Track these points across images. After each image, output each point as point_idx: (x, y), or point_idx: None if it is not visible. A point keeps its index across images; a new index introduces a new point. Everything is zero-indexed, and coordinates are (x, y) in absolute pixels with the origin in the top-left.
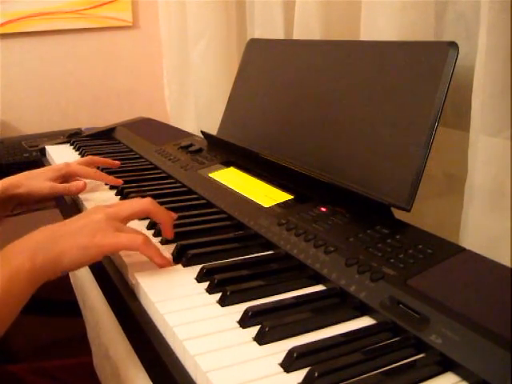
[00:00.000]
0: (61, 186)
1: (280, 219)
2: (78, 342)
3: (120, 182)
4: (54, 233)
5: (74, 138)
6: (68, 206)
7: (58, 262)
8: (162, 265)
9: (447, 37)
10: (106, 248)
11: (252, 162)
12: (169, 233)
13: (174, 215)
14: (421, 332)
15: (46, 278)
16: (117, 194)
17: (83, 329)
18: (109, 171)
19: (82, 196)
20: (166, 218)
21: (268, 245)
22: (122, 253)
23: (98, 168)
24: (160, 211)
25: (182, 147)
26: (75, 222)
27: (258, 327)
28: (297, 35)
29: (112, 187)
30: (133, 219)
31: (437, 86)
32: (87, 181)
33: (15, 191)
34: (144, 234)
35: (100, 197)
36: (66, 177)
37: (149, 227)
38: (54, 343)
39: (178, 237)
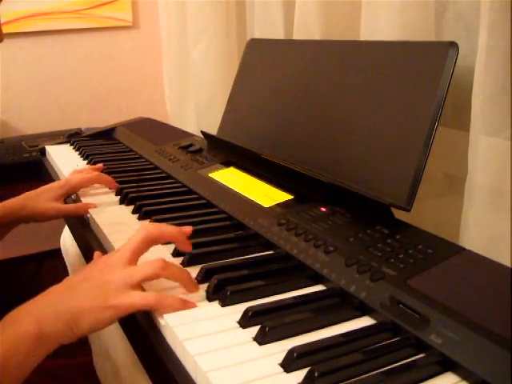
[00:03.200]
0: (66, 208)
1: (280, 219)
2: (78, 341)
3: (116, 186)
4: (64, 297)
5: (73, 138)
6: None
7: (71, 329)
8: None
9: (447, 37)
10: (122, 310)
11: (252, 162)
12: (192, 288)
13: (189, 231)
14: (421, 332)
15: (57, 343)
16: (117, 194)
17: None
18: (108, 171)
19: (82, 198)
20: (182, 275)
21: (268, 245)
22: None
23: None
24: (174, 272)
25: (181, 147)
26: (84, 281)
27: (258, 327)
28: (297, 35)
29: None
30: (140, 255)
31: (437, 86)
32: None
33: (18, 214)
34: (161, 265)
35: (100, 197)
36: (69, 192)
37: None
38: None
39: None
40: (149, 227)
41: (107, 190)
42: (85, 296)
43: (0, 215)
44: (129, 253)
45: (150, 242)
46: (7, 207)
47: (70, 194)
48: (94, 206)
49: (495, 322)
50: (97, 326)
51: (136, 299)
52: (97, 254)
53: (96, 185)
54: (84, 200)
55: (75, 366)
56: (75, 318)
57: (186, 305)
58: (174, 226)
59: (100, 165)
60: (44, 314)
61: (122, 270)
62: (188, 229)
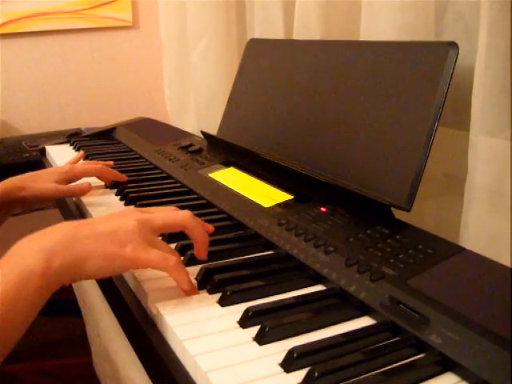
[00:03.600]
0: (65, 188)
1: (280, 219)
2: (77, 341)
3: (125, 177)
4: (77, 233)
5: (73, 138)
6: (68, 206)
7: (78, 268)
8: (188, 292)
9: (447, 37)
10: (136, 263)
11: (252, 162)
12: (202, 252)
13: (211, 229)
14: (421, 332)
15: (60, 283)
16: (117, 194)
17: (83, 329)
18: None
19: (83, 199)
20: (203, 236)
21: (268, 245)
22: None
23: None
24: (197, 228)
25: (181, 147)
26: (104, 223)
27: (258, 327)
28: (297, 35)
29: (112, 187)
30: (166, 231)
31: (437, 86)
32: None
33: (19, 193)
34: (177, 255)
35: (100, 197)
36: (71, 179)
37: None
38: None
39: (178, 237)
40: (191, 217)
41: (107, 189)
42: (102, 238)
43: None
44: (161, 222)
45: (181, 228)
46: (7, 187)
47: (72, 181)
48: (89, 184)
49: (495, 322)
50: (104, 271)
51: (155, 257)
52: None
53: (96, 183)
54: (84, 199)
55: (75, 367)
56: (86, 257)
57: (190, 289)
58: (206, 227)
59: (110, 162)
60: (53, 249)
61: (147, 233)
62: (211, 228)
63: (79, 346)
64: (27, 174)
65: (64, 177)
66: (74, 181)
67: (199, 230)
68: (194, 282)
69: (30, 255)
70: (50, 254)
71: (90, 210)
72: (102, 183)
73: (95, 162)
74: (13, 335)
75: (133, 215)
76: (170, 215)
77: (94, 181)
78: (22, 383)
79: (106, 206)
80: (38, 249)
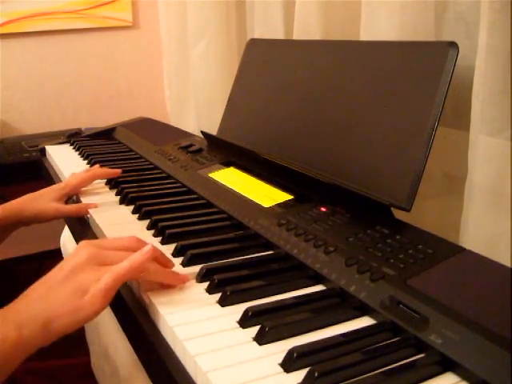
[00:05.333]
0: (66, 209)
1: (280, 219)
2: (75, 342)
3: (118, 172)
4: (37, 296)
5: (73, 138)
6: None
7: (48, 331)
8: (176, 281)
9: (447, 37)
10: (99, 303)
11: (252, 162)
12: (169, 264)
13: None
14: (421, 332)
15: (37, 346)
16: (117, 194)
17: (81, 329)
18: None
19: (82, 198)
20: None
21: (268, 245)
22: None
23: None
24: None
25: (182, 147)
26: (58, 271)
27: (258, 327)
28: (297, 35)
29: (112, 187)
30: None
31: (437, 86)
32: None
33: (19, 216)
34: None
35: (100, 198)
36: (70, 194)
37: (149, 227)
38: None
39: (178, 237)
40: (135, 241)
41: (107, 189)
42: (60, 297)
43: (0, 218)
44: (107, 244)
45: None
46: (7, 209)
47: (71, 196)
48: (95, 205)
49: (495, 322)
50: (74, 326)
51: (109, 281)
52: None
53: (96, 184)
54: (84, 200)
55: (72, 367)
56: (51, 321)
57: (177, 281)
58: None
59: (118, 171)
60: (22, 318)
61: (98, 255)
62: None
63: (76, 346)
64: (27, 196)
65: (62, 193)
66: (74, 194)
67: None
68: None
69: (2, 324)
70: (20, 324)
71: (90, 210)
72: (102, 183)
73: (86, 169)
74: None
75: (83, 247)
76: (118, 240)
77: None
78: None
79: (105, 207)
80: (9, 320)
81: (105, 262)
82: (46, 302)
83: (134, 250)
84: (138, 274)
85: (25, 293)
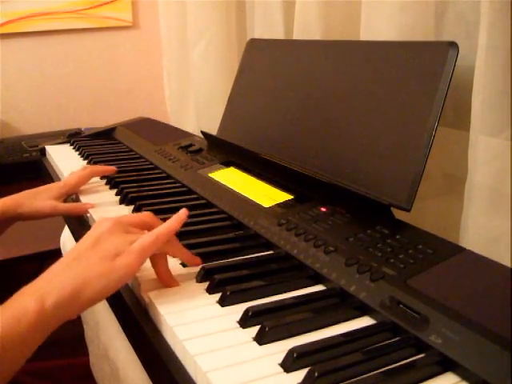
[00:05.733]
0: (63, 207)
1: (280, 219)
2: (74, 342)
3: (114, 168)
4: (65, 266)
5: (73, 138)
6: None
7: (77, 298)
8: (192, 262)
9: (447, 37)
10: (134, 263)
11: (252, 162)
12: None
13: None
14: (421, 332)
15: (60, 320)
16: (117, 194)
17: (80, 329)
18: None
19: (82, 198)
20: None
21: (268, 245)
22: None
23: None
24: (158, 222)
25: (181, 147)
26: (84, 250)
27: (258, 327)
28: (297, 35)
29: (112, 187)
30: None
31: (437, 86)
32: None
33: (16, 212)
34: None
35: (100, 197)
36: (68, 192)
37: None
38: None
39: (178, 237)
40: (151, 216)
41: (107, 189)
42: (89, 261)
43: None
44: (129, 219)
45: (146, 226)
46: (5, 204)
47: (70, 194)
48: (92, 205)
49: (495, 322)
50: (106, 292)
51: (144, 241)
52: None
53: (96, 184)
54: (84, 199)
55: (72, 367)
56: (80, 287)
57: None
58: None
59: (113, 168)
60: (46, 289)
61: (121, 226)
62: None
63: (75, 346)
64: (25, 192)
65: (61, 191)
66: (72, 193)
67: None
68: (194, 282)
69: (24, 297)
70: (43, 292)
71: (90, 210)
72: (102, 183)
73: (84, 167)
74: (5, 372)
75: (106, 228)
76: (138, 214)
77: (93, 180)
78: None
79: (105, 207)
80: (30, 291)
81: (129, 230)
82: (74, 270)
83: (151, 225)
84: (165, 243)
85: (51, 266)
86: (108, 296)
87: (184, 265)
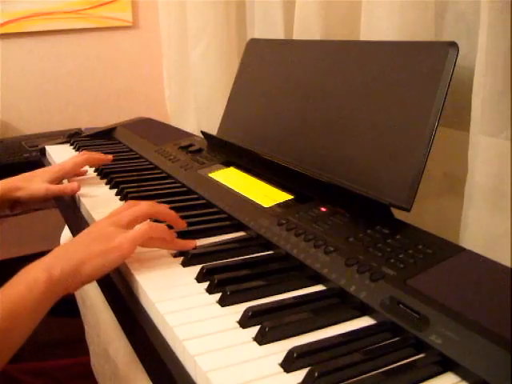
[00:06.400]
0: (56, 188)
1: (280, 219)
2: (75, 342)
3: (110, 157)
4: (69, 247)
5: (73, 138)
6: (68, 205)
7: (78, 272)
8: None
9: (447, 37)
10: (126, 247)
11: (252, 162)
12: (179, 224)
13: (173, 214)
14: (421, 332)
15: (64, 290)
16: (117, 194)
17: (80, 329)
18: (108, 171)
19: (83, 199)
20: (169, 214)
21: (268, 245)
22: None
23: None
24: (161, 210)
25: (181, 147)
26: (85, 235)
27: (258, 327)
28: (297, 35)
29: (112, 187)
30: (135, 225)
31: (437, 86)
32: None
33: (13, 194)
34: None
35: (99, 197)
36: (64, 176)
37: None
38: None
39: (177, 237)
40: (152, 205)
41: (107, 189)
42: (89, 243)
43: None
44: (128, 218)
45: (147, 218)
46: (2, 188)
47: (65, 178)
48: (78, 186)
49: (495, 322)
50: (103, 269)
51: (136, 233)
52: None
53: (96, 184)
54: (84, 199)
55: (72, 367)
56: (83, 261)
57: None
58: (168, 209)
59: (110, 156)
60: (53, 262)
61: (119, 227)
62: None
63: (76, 346)
64: (22, 175)
65: (57, 175)
66: (68, 177)
67: (165, 212)
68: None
69: (33, 269)
70: (51, 264)
71: (91, 211)
72: (103, 183)
73: (82, 152)
74: (18, 338)
75: (104, 222)
76: (134, 210)
77: (93, 180)
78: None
79: (105, 207)
80: (39, 263)
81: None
82: (78, 247)
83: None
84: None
85: (53, 249)
86: (104, 274)
87: (184, 264)
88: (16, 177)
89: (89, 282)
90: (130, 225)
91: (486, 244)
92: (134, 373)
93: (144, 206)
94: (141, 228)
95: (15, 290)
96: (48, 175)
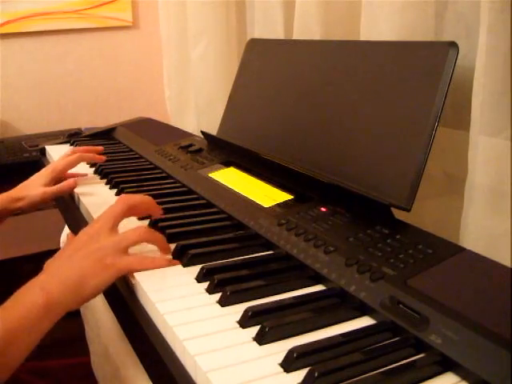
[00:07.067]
0: (52, 189)
1: (280, 219)
2: (75, 342)
3: (103, 158)
4: (64, 266)
5: (73, 138)
6: (68, 205)
7: (80, 289)
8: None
9: (447, 37)
10: (120, 269)
11: (252, 162)
12: (166, 250)
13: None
14: (421, 332)
15: (65, 309)
16: (117, 194)
17: (81, 329)
18: (108, 171)
19: (83, 199)
20: (161, 241)
21: (268, 245)
22: None
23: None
24: (156, 238)
25: (181, 147)
26: (79, 251)
27: (258, 327)
28: (297, 35)
29: (112, 187)
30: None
31: (437, 86)
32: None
33: (14, 205)
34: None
35: (99, 197)
36: (58, 176)
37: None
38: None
39: (178, 237)
40: (125, 199)
41: (107, 189)
42: (84, 263)
43: None
44: (111, 222)
45: (127, 212)
46: (3, 201)
47: (59, 179)
48: (75, 181)
49: (495, 322)
50: (101, 287)
51: (133, 261)
52: (70, 235)
53: (96, 183)
54: (84, 199)
55: (72, 367)
56: (80, 284)
57: (170, 262)
58: (146, 196)
59: (100, 148)
60: (50, 284)
61: (108, 237)
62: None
63: (76, 346)
64: (20, 185)
65: (51, 177)
66: (61, 177)
67: (157, 238)
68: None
69: (30, 291)
70: (48, 289)
71: (92, 211)
72: (102, 183)
73: (74, 149)
74: (18, 357)
75: (104, 242)
76: (132, 237)
77: (93, 180)
78: (19, 383)
79: (105, 207)
80: (36, 286)
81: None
82: (73, 268)
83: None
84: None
85: (47, 263)
86: (106, 288)
87: (184, 265)
88: (14, 189)
89: (90, 298)
90: (114, 227)
91: (486, 244)
92: (134, 373)
93: (118, 205)
94: (133, 257)
95: (13, 313)
96: (43, 179)
